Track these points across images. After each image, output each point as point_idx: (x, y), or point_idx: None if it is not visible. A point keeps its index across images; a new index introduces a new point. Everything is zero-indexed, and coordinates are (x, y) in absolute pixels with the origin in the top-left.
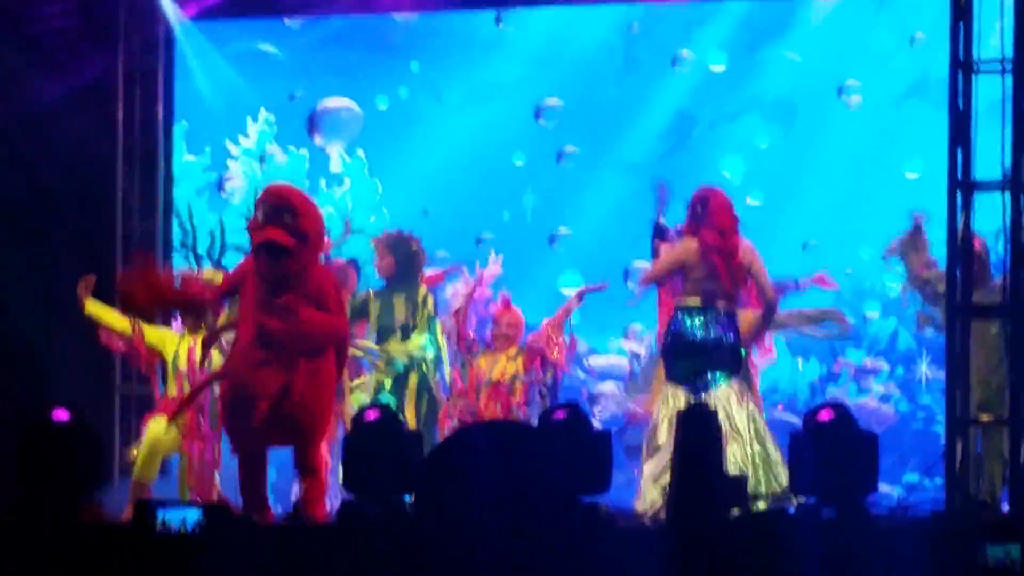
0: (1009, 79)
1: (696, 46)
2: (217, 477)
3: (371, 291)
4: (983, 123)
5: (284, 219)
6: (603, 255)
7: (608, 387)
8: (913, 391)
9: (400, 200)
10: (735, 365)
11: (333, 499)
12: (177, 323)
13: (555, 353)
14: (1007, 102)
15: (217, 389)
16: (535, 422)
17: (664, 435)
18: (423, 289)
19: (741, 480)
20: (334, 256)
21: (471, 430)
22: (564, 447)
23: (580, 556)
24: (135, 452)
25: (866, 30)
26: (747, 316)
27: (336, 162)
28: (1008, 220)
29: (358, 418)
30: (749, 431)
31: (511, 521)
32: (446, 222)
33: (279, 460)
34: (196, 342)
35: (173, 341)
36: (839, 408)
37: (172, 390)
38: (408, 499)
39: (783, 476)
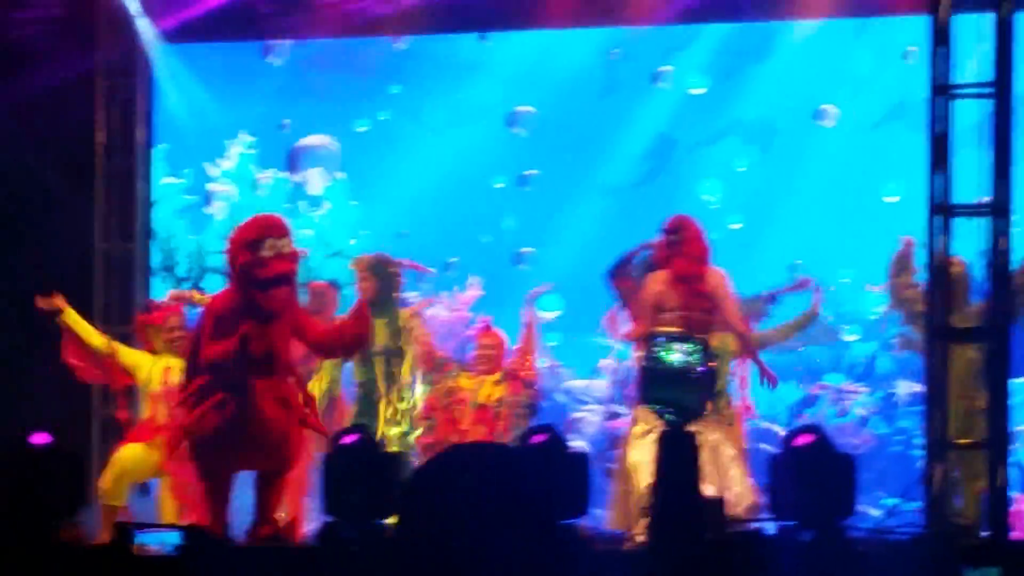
0: (989, 103)
1: (676, 69)
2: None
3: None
4: (962, 147)
5: (285, 250)
6: (583, 278)
7: (590, 410)
8: (892, 414)
9: (380, 222)
10: (708, 392)
11: (311, 520)
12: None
13: (527, 373)
14: (987, 126)
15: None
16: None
17: (635, 455)
18: (405, 313)
19: (719, 502)
20: (314, 278)
21: (454, 451)
22: (542, 470)
23: None
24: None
25: (846, 54)
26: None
27: (316, 185)
28: (988, 244)
29: (336, 440)
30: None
31: (491, 543)
32: (425, 244)
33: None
34: (171, 364)
35: (147, 363)
36: (816, 431)
37: (145, 413)
38: (387, 521)
39: (743, 502)
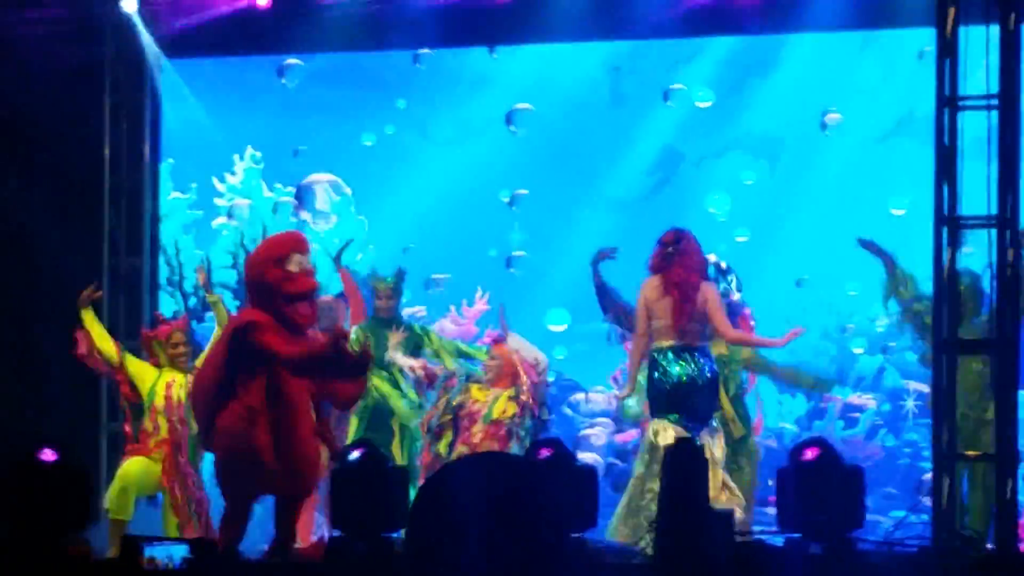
0: (995, 115)
1: (683, 83)
2: (210, 514)
3: (361, 327)
4: (969, 159)
5: (308, 265)
6: (590, 291)
7: (599, 424)
8: (899, 427)
9: (387, 237)
10: (716, 397)
11: (317, 534)
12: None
13: (526, 396)
14: (993, 138)
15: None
16: None
17: (642, 466)
18: (416, 325)
19: (728, 514)
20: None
21: (464, 463)
22: (552, 482)
23: None
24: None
25: (852, 67)
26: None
27: (323, 199)
28: (994, 257)
29: (343, 455)
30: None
31: (501, 555)
32: (432, 258)
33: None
34: (174, 379)
35: (151, 376)
36: (822, 444)
37: (148, 426)
38: (396, 535)
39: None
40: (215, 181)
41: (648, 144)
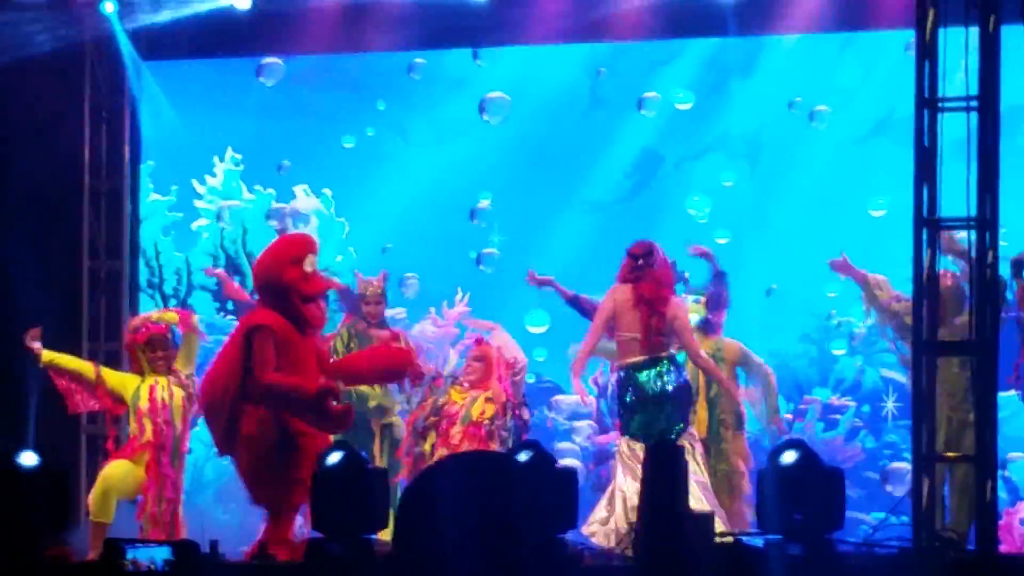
0: (974, 116)
1: (662, 84)
2: (181, 515)
3: (347, 329)
4: (949, 161)
5: (318, 266)
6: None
7: (581, 425)
8: (879, 428)
9: (366, 239)
10: (688, 405)
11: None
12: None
13: (503, 396)
14: (972, 140)
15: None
16: None
17: (619, 478)
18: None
19: (708, 517)
20: None
21: (449, 462)
22: (534, 482)
23: None
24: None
25: (831, 68)
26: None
27: (302, 201)
28: (973, 258)
29: (322, 457)
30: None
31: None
32: (411, 260)
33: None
34: (157, 381)
35: (134, 382)
36: (800, 446)
37: (134, 429)
38: (375, 537)
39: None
40: (195, 183)
41: (627, 146)
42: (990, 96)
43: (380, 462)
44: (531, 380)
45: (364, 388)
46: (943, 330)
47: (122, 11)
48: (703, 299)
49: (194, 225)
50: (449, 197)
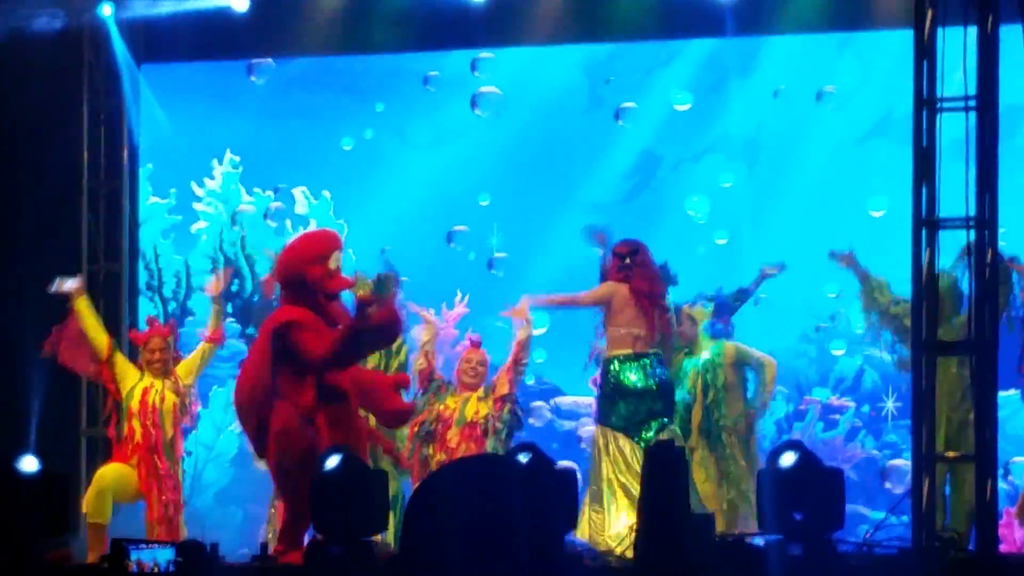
0: (973, 116)
1: (661, 85)
2: (182, 517)
3: None
4: (947, 160)
5: (341, 263)
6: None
7: (577, 425)
8: (879, 428)
9: (366, 241)
10: (669, 409)
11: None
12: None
13: (504, 388)
14: (971, 140)
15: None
16: None
17: (603, 474)
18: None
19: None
20: None
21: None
22: (531, 486)
23: None
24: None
25: (830, 69)
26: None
27: (301, 203)
28: (972, 257)
29: (321, 460)
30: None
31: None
32: (410, 261)
33: (246, 504)
34: (152, 384)
35: (133, 378)
36: (798, 448)
37: (125, 431)
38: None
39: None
40: (194, 186)
41: (625, 147)
42: (989, 96)
43: (380, 464)
44: (530, 381)
45: None
46: (941, 329)
47: (120, 14)
48: (711, 305)
49: (193, 228)
50: (448, 198)
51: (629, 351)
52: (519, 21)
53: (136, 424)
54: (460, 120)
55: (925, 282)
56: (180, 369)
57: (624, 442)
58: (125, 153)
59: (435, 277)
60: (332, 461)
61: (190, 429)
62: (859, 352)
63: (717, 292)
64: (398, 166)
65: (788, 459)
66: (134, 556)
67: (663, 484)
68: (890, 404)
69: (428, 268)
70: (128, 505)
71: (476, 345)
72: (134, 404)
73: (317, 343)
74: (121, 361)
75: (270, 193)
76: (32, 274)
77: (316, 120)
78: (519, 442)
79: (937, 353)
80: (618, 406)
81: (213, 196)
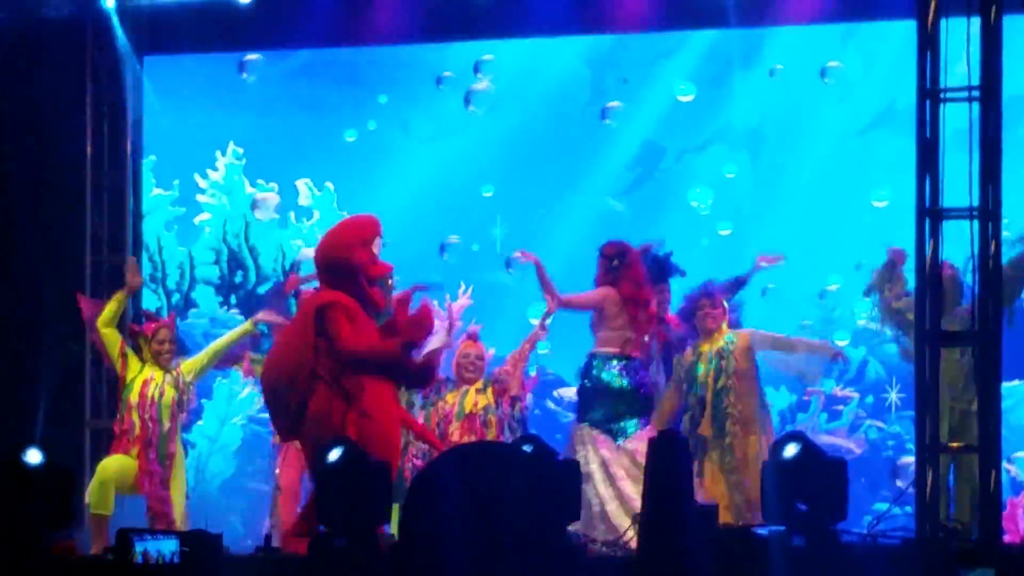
0: (976, 107)
1: (664, 76)
2: (186, 508)
3: None
4: (951, 151)
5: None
6: (572, 285)
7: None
8: (883, 419)
9: None
10: (647, 411)
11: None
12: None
13: (516, 388)
14: (974, 130)
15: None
16: None
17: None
18: None
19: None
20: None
21: (453, 453)
22: (534, 477)
23: None
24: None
25: (833, 59)
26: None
27: (305, 195)
28: (976, 248)
29: (323, 452)
30: (606, 472)
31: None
32: (415, 253)
33: (250, 496)
34: (152, 377)
35: (134, 369)
36: (800, 438)
37: (125, 422)
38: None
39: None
40: (197, 178)
41: (629, 139)
42: (992, 86)
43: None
44: (533, 373)
45: None
46: (944, 320)
47: (123, 6)
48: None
49: (196, 219)
50: (451, 190)
51: (617, 350)
52: (522, 12)
53: (135, 417)
54: (463, 112)
55: (928, 272)
56: (185, 366)
57: (598, 439)
58: (128, 145)
59: (439, 269)
60: (334, 454)
61: (187, 426)
62: (863, 343)
63: (707, 282)
64: (401, 158)
65: (791, 450)
66: (139, 547)
67: (666, 474)
68: (894, 395)
69: (431, 260)
70: (131, 497)
71: (474, 338)
72: (133, 397)
73: (352, 337)
74: (111, 333)
75: (273, 185)
76: (37, 266)
77: (319, 112)
78: (521, 435)
79: (941, 343)
80: (595, 404)
81: (216, 188)
